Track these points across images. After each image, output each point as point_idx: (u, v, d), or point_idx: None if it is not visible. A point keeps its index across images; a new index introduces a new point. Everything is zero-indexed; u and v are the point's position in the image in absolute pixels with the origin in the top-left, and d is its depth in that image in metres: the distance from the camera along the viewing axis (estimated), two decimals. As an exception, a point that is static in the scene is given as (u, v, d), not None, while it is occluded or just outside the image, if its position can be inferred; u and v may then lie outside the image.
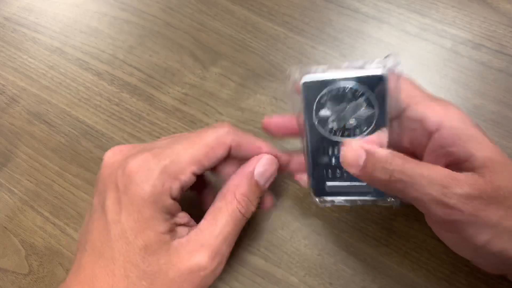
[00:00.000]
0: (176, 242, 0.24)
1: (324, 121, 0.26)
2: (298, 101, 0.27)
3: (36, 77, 0.41)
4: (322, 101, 0.26)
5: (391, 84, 0.25)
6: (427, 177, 0.21)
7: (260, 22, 0.42)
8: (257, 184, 0.27)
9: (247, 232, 0.32)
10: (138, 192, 0.23)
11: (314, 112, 0.26)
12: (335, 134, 0.26)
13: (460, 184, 0.21)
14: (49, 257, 0.33)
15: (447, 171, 0.22)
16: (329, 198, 0.28)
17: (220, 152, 0.26)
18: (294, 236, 0.32)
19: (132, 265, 0.23)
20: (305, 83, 0.26)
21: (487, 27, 0.38)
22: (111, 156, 0.26)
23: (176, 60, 0.41)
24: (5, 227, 0.35)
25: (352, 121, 0.26)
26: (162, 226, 0.24)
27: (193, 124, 0.37)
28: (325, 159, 0.27)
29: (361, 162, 0.23)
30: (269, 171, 0.27)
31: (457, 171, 0.22)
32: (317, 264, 0.31)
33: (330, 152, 0.27)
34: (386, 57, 0.25)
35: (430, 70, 0.37)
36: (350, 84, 0.25)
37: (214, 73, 0.40)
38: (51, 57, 0.42)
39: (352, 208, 0.32)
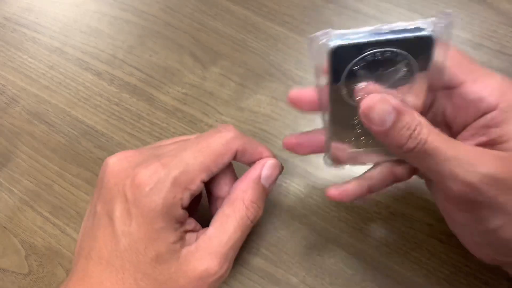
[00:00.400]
0: (185, 250, 0.25)
1: (353, 89, 0.22)
2: (322, 70, 0.22)
3: (36, 77, 0.41)
4: (354, 69, 0.22)
5: (438, 50, 0.21)
6: (452, 153, 0.20)
7: (260, 22, 0.42)
8: (264, 188, 0.27)
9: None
10: (149, 205, 0.23)
11: (343, 82, 0.22)
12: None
13: (487, 163, 0.20)
14: (49, 257, 0.33)
15: (476, 149, 0.21)
16: (347, 166, 0.27)
17: (228, 158, 0.26)
18: (294, 236, 0.32)
19: (142, 274, 0.23)
20: (333, 49, 0.21)
21: (488, 27, 0.38)
22: (117, 163, 0.26)
23: (176, 60, 0.41)
24: (5, 227, 0.35)
25: (388, 90, 0.22)
26: (172, 236, 0.24)
27: (193, 124, 0.37)
28: (350, 128, 0.24)
29: (389, 122, 0.20)
30: (274, 175, 0.28)
31: (491, 147, 0.21)
32: (317, 264, 0.31)
33: (357, 121, 0.23)
34: (438, 17, 0.21)
35: (430, 70, 0.37)
36: (389, 48, 0.21)
37: (214, 73, 0.40)
38: (51, 57, 0.42)
39: (353, 208, 0.32)
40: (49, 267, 0.33)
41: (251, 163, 0.28)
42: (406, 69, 0.22)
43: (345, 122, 0.24)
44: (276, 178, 0.28)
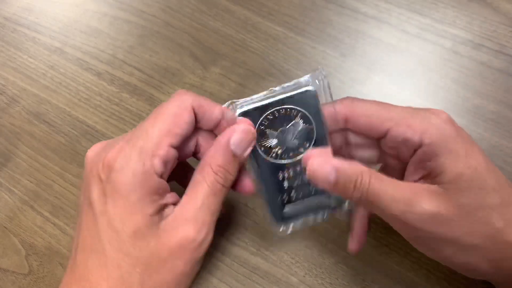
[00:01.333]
0: (163, 223, 0.25)
1: (268, 148, 0.27)
2: None
3: (36, 77, 0.41)
4: (261, 128, 0.26)
5: (322, 97, 0.26)
6: (391, 196, 0.22)
7: (260, 22, 0.42)
8: (233, 154, 0.26)
9: (247, 232, 0.32)
10: (121, 179, 0.24)
11: (256, 141, 0.26)
12: (281, 157, 0.27)
13: (420, 202, 0.22)
14: (49, 257, 0.33)
15: (410, 188, 0.23)
16: (291, 223, 0.28)
17: (186, 116, 0.26)
18: (294, 236, 0.32)
19: (123, 254, 0.23)
20: (241, 114, 0.26)
21: (487, 27, 0.38)
22: (92, 152, 0.27)
23: (176, 60, 0.41)
24: (5, 227, 0.35)
25: (294, 141, 0.27)
26: (150, 208, 0.24)
27: (193, 124, 0.37)
28: (278, 185, 0.27)
29: (332, 179, 0.23)
30: (245, 140, 0.26)
31: (430, 184, 0.23)
32: (317, 264, 0.31)
33: (281, 177, 0.27)
34: (313, 72, 0.26)
35: (430, 70, 0.37)
36: (283, 106, 0.26)
37: (214, 73, 0.40)
38: (51, 57, 0.42)
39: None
40: (49, 267, 0.33)
41: (216, 127, 0.27)
42: (303, 121, 0.26)
43: (273, 181, 0.27)
44: (249, 144, 0.26)
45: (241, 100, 0.27)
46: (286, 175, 0.27)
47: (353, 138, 0.27)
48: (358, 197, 0.23)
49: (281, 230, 0.29)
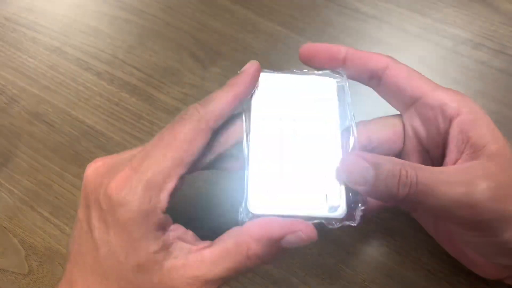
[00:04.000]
0: (170, 263, 0.23)
1: (273, 123, 0.24)
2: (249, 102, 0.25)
3: (36, 77, 0.41)
4: (272, 99, 0.25)
5: (341, 85, 0.25)
6: (446, 181, 0.20)
7: (260, 22, 0.42)
8: (279, 248, 0.22)
9: (247, 232, 0.32)
10: (124, 214, 0.22)
11: (263, 112, 0.24)
12: (283, 135, 0.24)
13: (480, 179, 0.20)
14: (49, 257, 0.33)
15: (461, 169, 0.21)
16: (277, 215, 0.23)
17: (202, 140, 0.23)
18: (294, 236, 0.32)
19: (125, 281, 0.23)
20: (262, 77, 0.25)
21: (488, 27, 0.38)
22: (93, 171, 0.24)
23: (176, 60, 0.41)
24: (5, 227, 0.35)
25: (302, 122, 0.24)
26: (153, 246, 0.22)
27: (193, 124, 0.37)
28: (267, 166, 0.24)
29: (371, 177, 0.21)
30: (298, 243, 0.23)
31: (476, 158, 0.22)
32: (317, 264, 0.31)
33: (273, 158, 0.24)
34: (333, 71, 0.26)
35: (430, 70, 0.37)
36: (302, 84, 0.25)
37: (214, 73, 0.40)
38: (51, 57, 0.42)
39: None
40: (49, 267, 0.33)
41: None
42: (318, 104, 0.25)
43: (264, 162, 0.24)
44: (299, 244, 0.23)
45: (265, 70, 0.26)
46: (284, 157, 0.24)
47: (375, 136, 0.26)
48: (405, 194, 0.20)
49: (242, 220, 0.23)
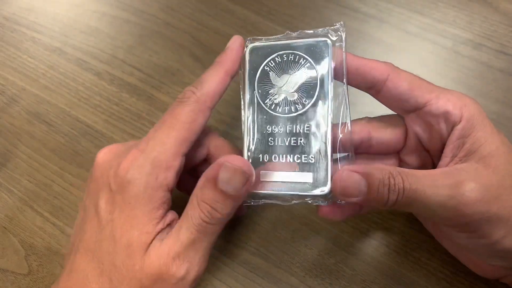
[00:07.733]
0: (151, 246, 0.23)
1: (265, 92, 0.25)
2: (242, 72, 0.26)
3: (35, 77, 0.41)
4: (266, 69, 0.25)
5: (335, 53, 0.24)
6: (431, 185, 0.21)
7: (260, 22, 0.42)
8: (223, 192, 0.23)
9: (247, 232, 0.32)
10: (131, 190, 0.23)
11: (256, 82, 0.25)
12: (275, 109, 0.25)
13: (467, 181, 0.21)
14: (49, 257, 0.33)
15: (448, 172, 0.22)
16: (262, 192, 0.25)
17: (201, 120, 0.25)
18: (294, 236, 0.32)
19: (115, 267, 0.23)
20: (250, 49, 0.26)
21: (488, 27, 0.38)
22: (103, 156, 0.26)
23: (176, 60, 0.41)
24: (5, 227, 0.35)
25: (293, 93, 0.25)
26: (150, 226, 0.23)
27: (193, 124, 0.37)
28: (264, 140, 0.25)
29: (364, 188, 0.22)
30: (234, 181, 0.22)
31: (466, 161, 0.22)
32: (317, 264, 0.31)
33: (269, 131, 0.25)
34: (333, 26, 0.25)
35: (430, 70, 0.37)
36: (293, 51, 0.25)
37: (214, 73, 0.40)
38: (51, 57, 0.42)
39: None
40: (48, 267, 0.33)
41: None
42: (308, 74, 0.25)
43: (261, 133, 0.25)
44: (241, 185, 0.23)
45: (257, 38, 0.26)
46: (275, 130, 0.25)
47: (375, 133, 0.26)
48: (394, 200, 0.21)
49: (248, 199, 0.25)
